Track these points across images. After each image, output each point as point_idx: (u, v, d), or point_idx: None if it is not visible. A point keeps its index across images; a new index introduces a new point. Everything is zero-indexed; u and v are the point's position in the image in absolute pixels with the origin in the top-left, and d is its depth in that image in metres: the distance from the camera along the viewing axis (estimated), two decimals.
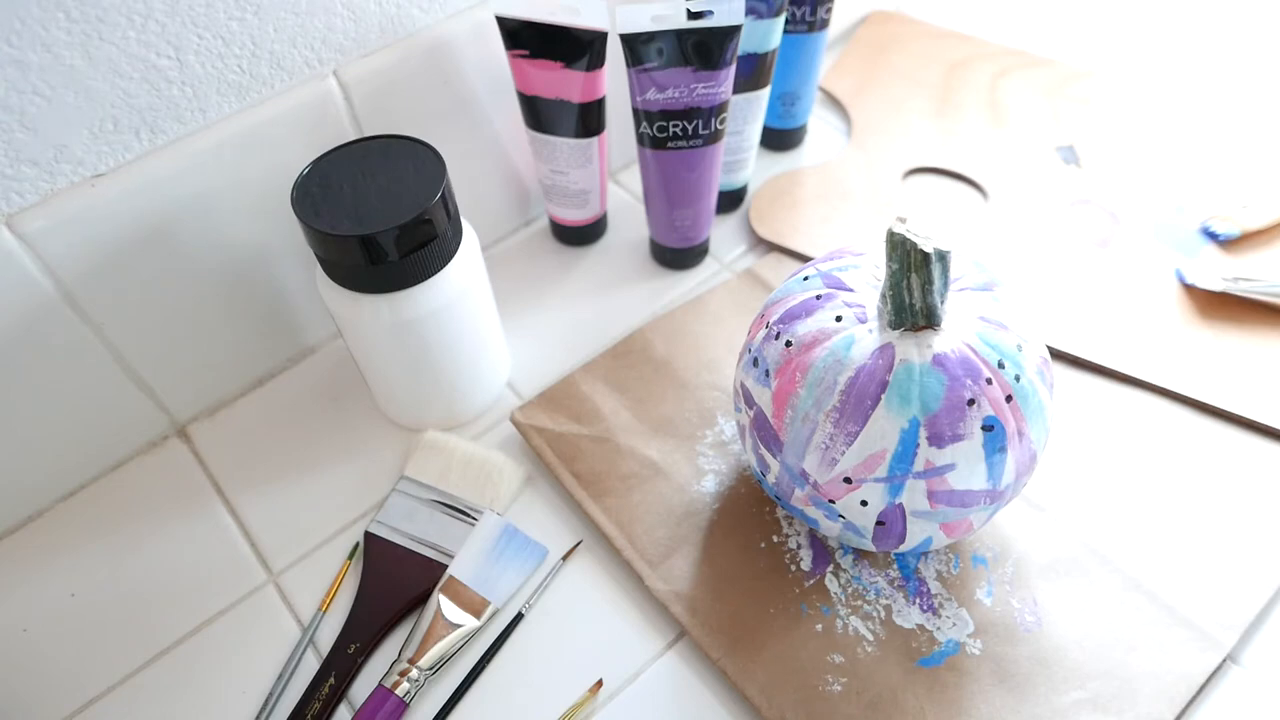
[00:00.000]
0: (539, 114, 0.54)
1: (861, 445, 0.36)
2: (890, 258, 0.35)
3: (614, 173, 0.67)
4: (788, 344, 0.38)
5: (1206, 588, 0.43)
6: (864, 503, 0.38)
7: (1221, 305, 0.54)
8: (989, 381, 0.35)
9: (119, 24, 0.40)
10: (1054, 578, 0.44)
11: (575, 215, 0.60)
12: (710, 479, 0.48)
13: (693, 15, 0.48)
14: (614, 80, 0.56)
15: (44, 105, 0.40)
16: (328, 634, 0.45)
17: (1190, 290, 0.54)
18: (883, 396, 0.35)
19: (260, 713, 0.42)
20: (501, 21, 0.50)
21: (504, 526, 0.46)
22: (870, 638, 0.42)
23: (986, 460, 0.36)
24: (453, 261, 0.45)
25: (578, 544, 0.47)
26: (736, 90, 0.56)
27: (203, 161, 0.46)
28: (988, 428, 0.35)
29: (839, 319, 0.38)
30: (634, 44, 0.48)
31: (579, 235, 0.62)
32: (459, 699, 0.42)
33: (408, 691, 0.41)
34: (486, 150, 0.58)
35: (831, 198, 0.62)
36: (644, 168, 0.55)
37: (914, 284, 0.35)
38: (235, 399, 0.55)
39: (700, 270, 0.60)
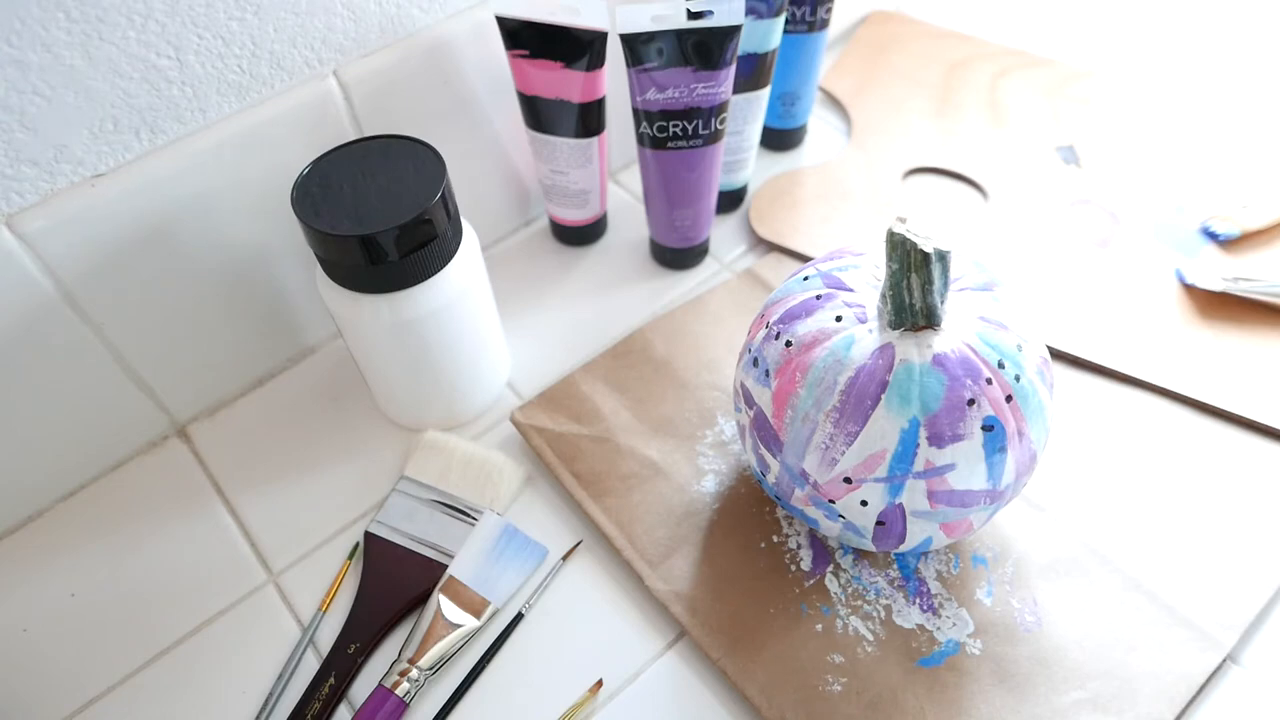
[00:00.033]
0: (539, 114, 0.54)
1: (861, 445, 0.36)
2: (890, 258, 0.35)
3: (614, 173, 0.67)
4: (788, 344, 0.38)
5: (1206, 588, 0.43)
6: (864, 503, 0.38)
7: (1221, 305, 0.54)
8: (989, 381, 0.35)
9: (119, 24, 0.40)
10: (1054, 578, 0.44)
11: (575, 215, 0.60)
12: (710, 479, 0.48)
13: (693, 15, 0.48)
14: (614, 80, 0.56)
15: (44, 105, 0.40)
16: (328, 634, 0.45)
17: (1190, 290, 0.54)
18: (883, 396, 0.35)
19: (260, 713, 0.42)
20: (501, 21, 0.50)
21: (504, 526, 0.46)
22: (870, 638, 0.42)
23: (986, 460, 0.36)
24: (453, 261, 0.45)
25: (578, 544, 0.47)
26: (736, 90, 0.56)
27: (203, 161, 0.46)
28: (988, 428, 0.35)
29: (839, 319, 0.38)
30: (634, 44, 0.48)
31: (579, 235, 0.62)
32: (459, 699, 0.42)
33: (408, 691, 0.41)
34: (486, 150, 0.58)
35: (831, 198, 0.62)
36: (644, 168, 0.55)
37: (914, 284, 0.35)
38: (235, 399, 0.55)
39: (700, 270, 0.60)
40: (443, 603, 0.44)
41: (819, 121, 0.69)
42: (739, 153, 0.60)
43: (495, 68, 0.54)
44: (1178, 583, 0.43)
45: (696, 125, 0.51)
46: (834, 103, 0.71)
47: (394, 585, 0.45)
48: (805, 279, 0.40)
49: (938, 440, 0.35)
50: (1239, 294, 0.53)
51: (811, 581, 0.44)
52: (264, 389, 0.56)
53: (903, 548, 0.40)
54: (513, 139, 0.58)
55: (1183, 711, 0.40)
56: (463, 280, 0.46)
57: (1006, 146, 0.65)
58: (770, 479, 0.41)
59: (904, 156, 0.65)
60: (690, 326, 0.55)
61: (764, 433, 0.40)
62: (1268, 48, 0.71)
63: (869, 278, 0.39)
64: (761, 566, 0.45)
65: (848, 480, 0.37)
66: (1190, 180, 0.61)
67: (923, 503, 0.37)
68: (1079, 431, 0.49)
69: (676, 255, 0.59)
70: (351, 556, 0.47)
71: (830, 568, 0.45)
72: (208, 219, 0.47)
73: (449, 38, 0.51)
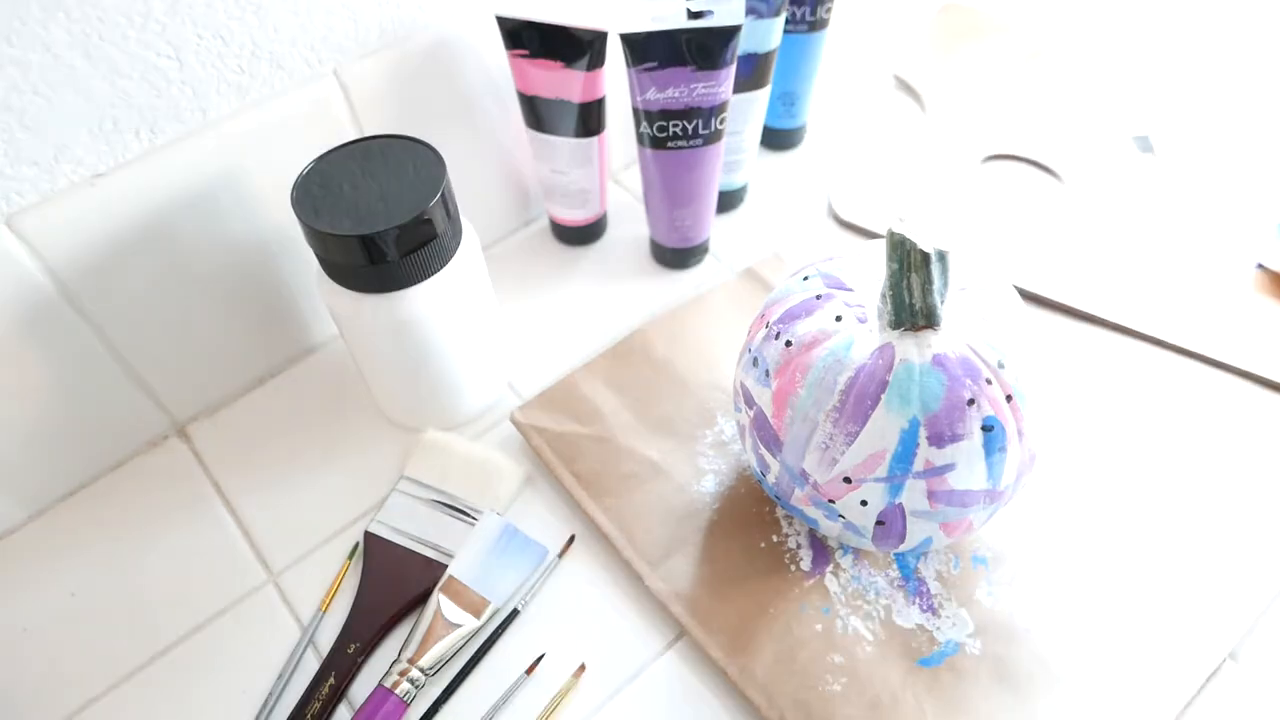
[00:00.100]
0: (539, 114, 0.54)
1: (861, 445, 0.36)
2: (890, 258, 0.35)
3: (614, 173, 0.67)
4: (788, 344, 0.38)
5: (1206, 587, 0.43)
6: (864, 502, 0.38)
7: None
8: (989, 381, 0.35)
9: (119, 24, 0.40)
10: (1054, 577, 0.44)
11: (575, 215, 0.60)
12: (710, 479, 0.48)
13: (693, 15, 0.48)
14: (614, 80, 0.56)
15: (44, 105, 0.40)
16: (328, 634, 0.45)
17: (1270, 274, 0.55)
18: (882, 396, 0.35)
19: (260, 713, 0.42)
20: (501, 21, 0.50)
21: (504, 526, 0.46)
22: (870, 638, 0.42)
23: (986, 460, 0.36)
24: (453, 261, 0.45)
25: (571, 538, 0.47)
26: (736, 90, 0.56)
27: (203, 161, 0.46)
28: (987, 428, 0.35)
29: (839, 319, 0.38)
30: (634, 44, 0.48)
31: (579, 235, 0.62)
32: (449, 695, 0.42)
33: (408, 691, 0.41)
34: (486, 150, 0.58)
35: (908, 183, 0.63)
36: (644, 168, 0.55)
37: (914, 284, 0.35)
38: (235, 399, 0.55)
39: (700, 270, 0.60)
40: (443, 602, 0.44)
41: (895, 108, 0.70)
42: (738, 153, 0.60)
43: (495, 68, 0.54)
44: (1178, 582, 0.43)
45: (696, 125, 0.51)
46: (909, 90, 0.72)
47: (394, 585, 0.45)
48: (805, 279, 0.40)
49: (937, 440, 0.35)
50: None
51: (811, 581, 0.44)
52: (264, 389, 0.56)
53: (903, 548, 0.40)
54: (513, 139, 0.58)
55: (1183, 711, 0.40)
56: (463, 280, 0.46)
57: (1082, 134, 0.65)
58: (770, 479, 0.41)
59: (981, 143, 0.66)
60: (690, 326, 0.55)
61: (764, 433, 0.40)
62: None
63: (869, 277, 0.39)
64: (761, 566, 0.45)
65: (848, 480, 0.37)
66: (1266, 174, 0.61)
67: (923, 503, 0.37)
68: (1080, 431, 0.49)
69: (676, 255, 0.59)
70: (351, 556, 0.47)
71: (830, 568, 0.45)
72: (208, 219, 0.47)
73: (449, 38, 0.51)
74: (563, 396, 0.52)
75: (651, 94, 0.50)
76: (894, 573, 0.44)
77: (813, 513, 0.40)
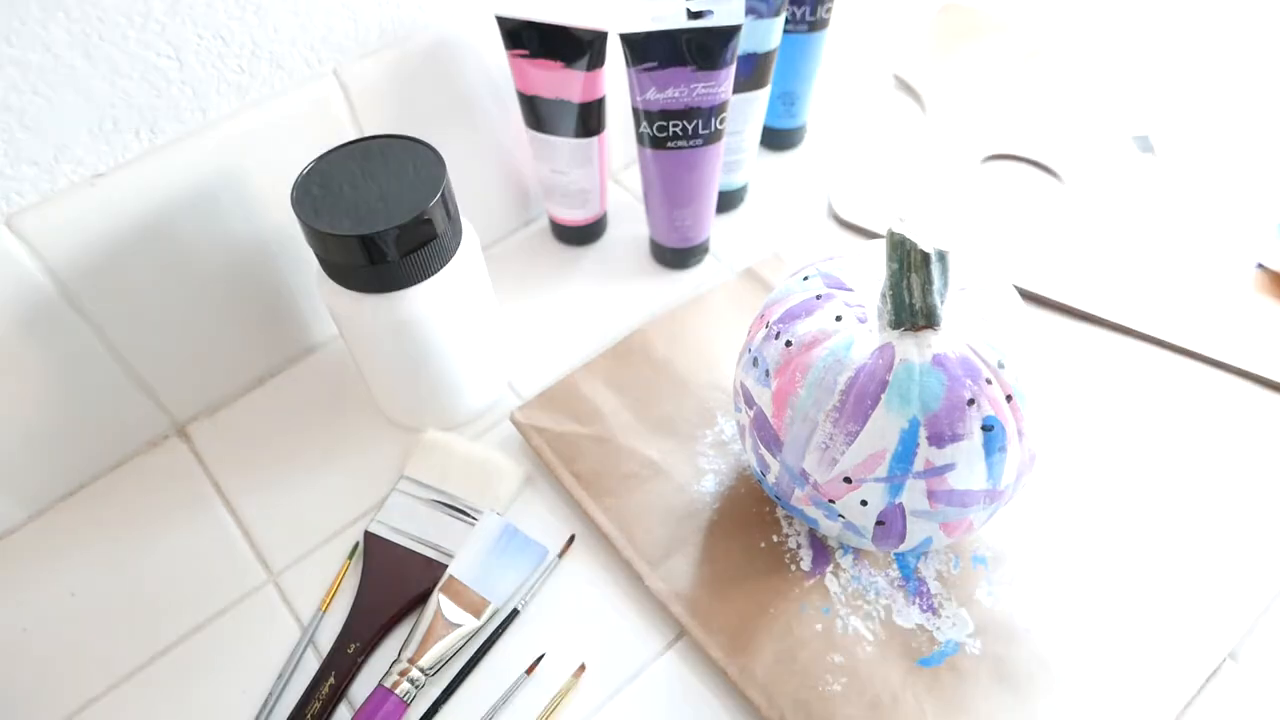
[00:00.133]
0: (539, 114, 0.54)
1: (861, 445, 0.36)
2: (890, 258, 0.35)
3: (614, 173, 0.67)
4: (788, 344, 0.38)
5: (1206, 587, 0.43)
6: (864, 502, 0.38)
7: None
8: (989, 381, 0.35)
9: (119, 24, 0.40)
10: (1054, 577, 0.44)
11: (575, 215, 0.60)
12: (710, 479, 0.48)
13: (693, 15, 0.48)
14: (614, 80, 0.56)
15: (44, 105, 0.40)
16: (328, 634, 0.45)
17: (1270, 274, 0.55)
18: (882, 396, 0.35)
19: (260, 713, 0.42)
20: (501, 21, 0.50)
21: (504, 526, 0.46)
22: (870, 638, 0.42)
23: (986, 460, 0.36)
24: (453, 261, 0.45)
25: (571, 538, 0.47)
26: (736, 90, 0.56)
27: (203, 161, 0.46)
28: (988, 428, 0.35)
29: (839, 319, 0.38)
30: (634, 44, 0.48)
31: (579, 235, 0.62)
32: (450, 694, 0.42)
33: (408, 691, 0.41)
34: (486, 150, 0.58)
35: (908, 183, 0.63)
36: (644, 168, 0.55)
37: (914, 284, 0.35)
38: (235, 399, 0.55)
39: (700, 270, 0.60)
40: (443, 602, 0.44)
41: (897, 107, 0.70)
42: (738, 153, 0.60)
43: (495, 68, 0.54)
44: (1178, 582, 0.43)
45: (696, 125, 0.51)
46: (909, 90, 0.72)
47: (394, 585, 0.45)
48: (805, 279, 0.40)
49: (937, 440, 0.35)
50: None
51: (811, 581, 0.44)
52: (264, 389, 0.56)
53: (903, 547, 0.40)
54: (513, 139, 0.58)
55: (1183, 711, 0.40)
56: (463, 280, 0.46)
57: (1082, 134, 0.66)
58: (770, 479, 0.41)
59: (981, 143, 0.66)
60: (690, 326, 0.55)
61: (764, 433, 0.40)
62: None
63: (869, 277, 0.39)
64: (761, 566, 0.45)
65: (848, 480, 0.37)
66: (1266, 174, 0.61)
67: (923, 502, 0.37)
68: (1079, 431, 0.49)
69: (676, 255, 0.59)
70: (351, 556, 0.47)
71: (830, 567, 0.45)
72: (208, 219, 0.47)
73: (449, 38, 0.51)
74: (563, 396, 0.52)
75: (651, 94, 0.50)
76: (894, 573, 0.44)
77: (813, 513, 0.40)
